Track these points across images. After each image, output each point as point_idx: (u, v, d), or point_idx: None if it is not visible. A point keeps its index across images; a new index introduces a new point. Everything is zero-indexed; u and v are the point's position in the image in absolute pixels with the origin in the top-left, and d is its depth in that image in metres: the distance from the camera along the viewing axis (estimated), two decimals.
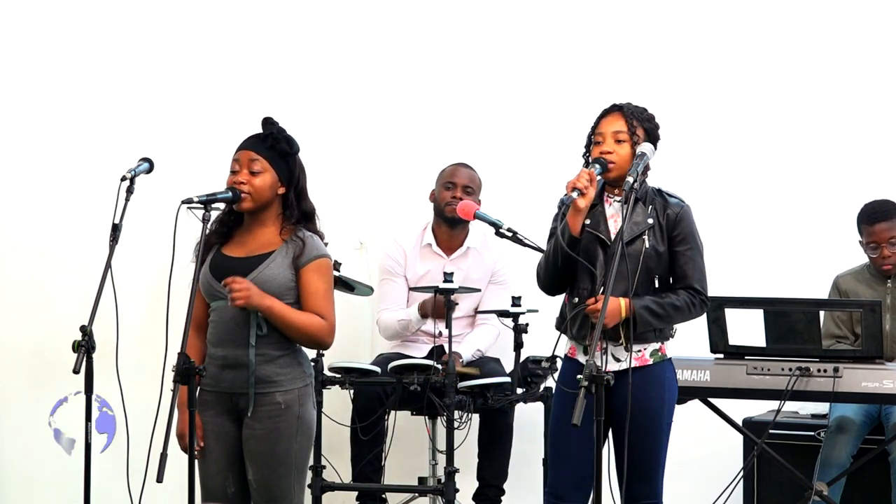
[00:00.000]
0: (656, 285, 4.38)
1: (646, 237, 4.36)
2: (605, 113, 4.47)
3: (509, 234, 5.54)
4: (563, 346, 4.49)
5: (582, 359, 4.41)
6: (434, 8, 6.76)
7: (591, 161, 4.41)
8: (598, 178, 4.35)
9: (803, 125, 6.19)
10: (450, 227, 6.03)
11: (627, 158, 4.37)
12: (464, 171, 6.04)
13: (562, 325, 4.47)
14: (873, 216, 5.47)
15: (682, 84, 6.32)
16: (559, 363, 4.58)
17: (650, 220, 4.38)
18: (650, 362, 4.36)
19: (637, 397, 4.23)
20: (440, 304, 5.62)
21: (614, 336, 4.34)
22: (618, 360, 4.36)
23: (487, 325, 5.99)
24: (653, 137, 4.45)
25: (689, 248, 4.39)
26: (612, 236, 4.38)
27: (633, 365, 4.32)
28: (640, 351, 4.36)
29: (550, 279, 4.48)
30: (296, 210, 4.33)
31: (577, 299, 4.42)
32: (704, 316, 4.76)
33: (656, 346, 4.39)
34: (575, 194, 4.27)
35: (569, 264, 4.38)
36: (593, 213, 4.41)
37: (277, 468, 4.25)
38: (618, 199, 4.43)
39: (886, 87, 6.10)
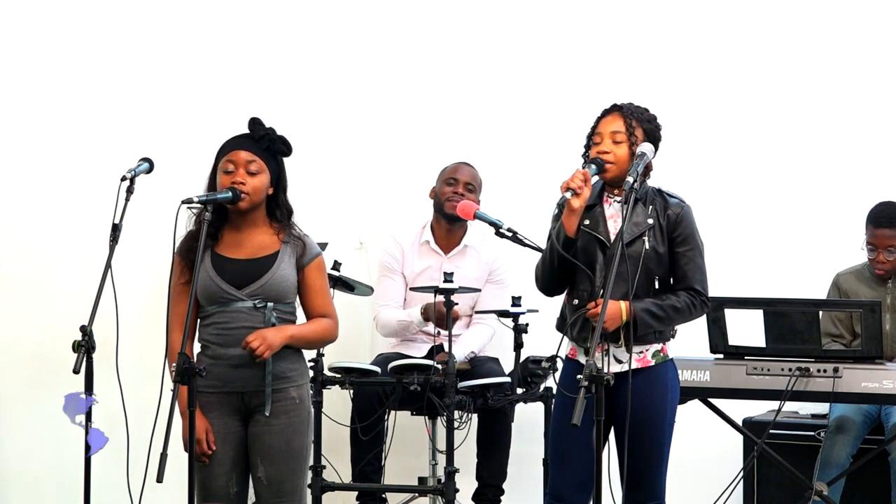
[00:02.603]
0: (656, 286, 4.36)
1: (646, 238, 4.34)
2: (605, 113, 4.44)
3: (509, 235, 5.53)
4: (565, 347, 4.49)
5: (583, 360, 4.40)
6: (433, 8, 6.77)
7: (586, 161, 4.40)
8: (595, 178, 4.34)
9: (803, 125, 6.19)
10: (448, 224, 6.04)
11: (625, 158, 4.34)
12: (466, 168, 6.06)
13: (562, 326, 4.47)
14: (880, 219, 5.48)
15: (684, 84, 6.32)
16: (559, 363, 4.57)
17: (650, 221, 4.35)
18: (652, 363, 4.35)
19: (639, 398, 4.22)
20: (442, 311, 5.59)
21: (615, 338, 4.33)
22: (619, 362, 4.34)
23: (482, 325, 5.98)
24: (652, 138, 4.41)
25: (689, 248, 4.37)
26: (612, 237, 4.36)
27: (634, 366, 4.31)
28: (641, 352, 4.35)
29: (548, 281, 4.46)
30: (284, 210, 4.37)
31: (576, 301, 4.40)
32: (704, 316, 4.77)
33: (658, 346, 4.37)
34: (569, 194, 4.25)
35: (566, 266, 4.36)
36: (592, 213, 4.39)
37: (290, 462, 4.30)
38: (618, 199, 4.40)
39: (887, 87, 6.10)
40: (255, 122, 4.37)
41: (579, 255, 4.36)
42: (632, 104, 4.45)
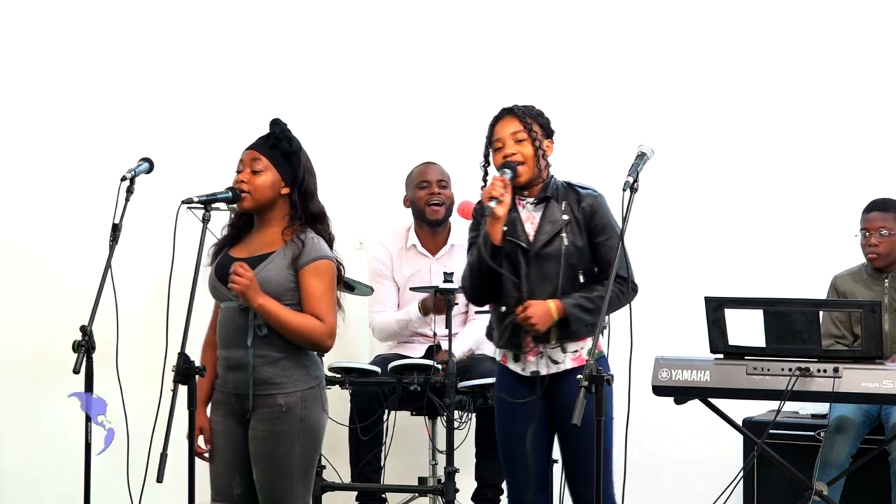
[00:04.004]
0: (581, 280, 4.36)
1: (563, 235, 4.35)
2: (498, 118, 4.45)
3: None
4: (497, 353, 4.52)
5: (512, 366, 4.43)
6: (432, 10, 6.77)
7: (499, 167, 4.39)
8: (510, 182, 4.35)
9: (803, 126, 6.19)
10: (431, 228, 6.04)
11: (532, 156, 4.38)
12: (432, 167, 6.05)
13: (491, 334, 4.49)
14: (872, 205, 5.59)
15: (681, 84, 6.32)
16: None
17: (565, 217, 4.37)
18: (588, 361, 4.33)
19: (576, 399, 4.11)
20: (440, 301, 5.62)
21: (546, 338, 4.33)
22: (556, 363, 4.35)
23: (479, 322, 5.97)
24: (548, 131, 4.46)
25: (608, 237, 4.35)
26: (531, 240, 4.37)
27: (571, 366, 4.32)
28: (577, 351, 4.35)
29: (477, 291, 4.49)
30: (301, 211, 4.32)
31: (503, 308, 4.41)
32: (704, 316, 4.77)
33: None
34: (493, 203, 4.27)
35: (493, 274, 4.37)
36: (509, 219, 4.38)
37: (279, 470, 4.24)
38: (530, 200, 4.44)
39: (886, 88, 6.10)
40: (273, 122, 4.37)
41: (503, 262, 4.37)
42: (518, 104, 4.47)
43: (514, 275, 4.37)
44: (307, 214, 4.33)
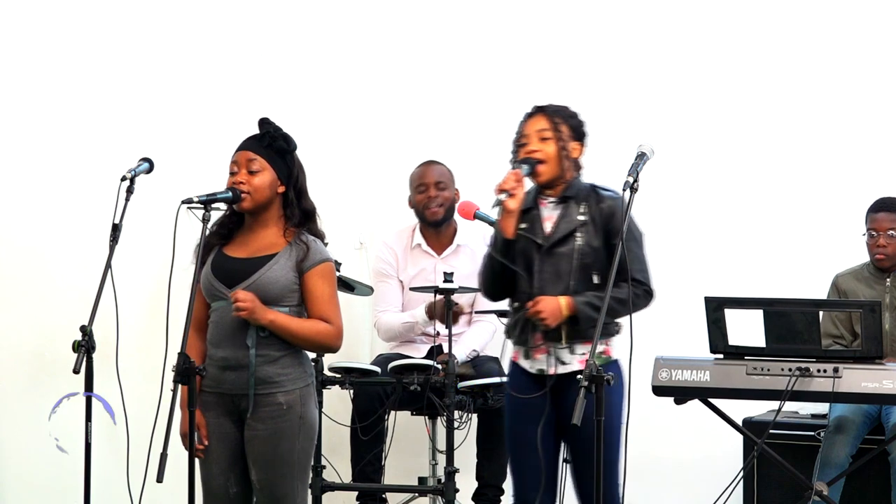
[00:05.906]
0: (595, 282, 4.35)
1: (578, 234, 4.36)
2: (528, 116, 4.47)
3: None
4: (510, 351, 4.51)
5: (524, 363, 4.42)
6: (432, 9, 6.77)
7: (517, 162, 4.40)
8: (527, 177, 4.35)
9: (803, 126, 6.19)
10: (435, 228, 6.03)
11: (555, 156, 4.39)
12: (431, 169, 6.03)
13: (510, 332, 4.49)
14: (880, 205, 5.57)
15: (682, 84, 6.32)
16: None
17: (581, 217, 4.37)
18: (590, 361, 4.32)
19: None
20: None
21: (556, 337, 4.33)
22: (563, 363, 4.35)
23: (483, 323, 5.98)
24: (579, 133, 4.46)
25: (626, 240, 4.31)
26: (546, 236, 4.38)
27: (577, 368, 4.28)
28: (584, 353, 4.32)
29: (490, 285, 4.49)
30: (296, 209, 4.33)
31: (516, 304, 4.42)
32: (704, 316, 4.77)
33: (601, 348, 4.34)
34: (503, 196, 4.27)
35: (507, 269, 4.38)
36: (529, 216, 4.40)
37: (280, 468, 4.25)
38: (552, 199, 4.44)
39: (886, 88, 6.10)
40: (261, 122, 4.36)
41: (518, 258, 4.38)
42: (552, 104, 4.47)
43: (528, 271, 4.37)
44: (301, 212, 4.34)
